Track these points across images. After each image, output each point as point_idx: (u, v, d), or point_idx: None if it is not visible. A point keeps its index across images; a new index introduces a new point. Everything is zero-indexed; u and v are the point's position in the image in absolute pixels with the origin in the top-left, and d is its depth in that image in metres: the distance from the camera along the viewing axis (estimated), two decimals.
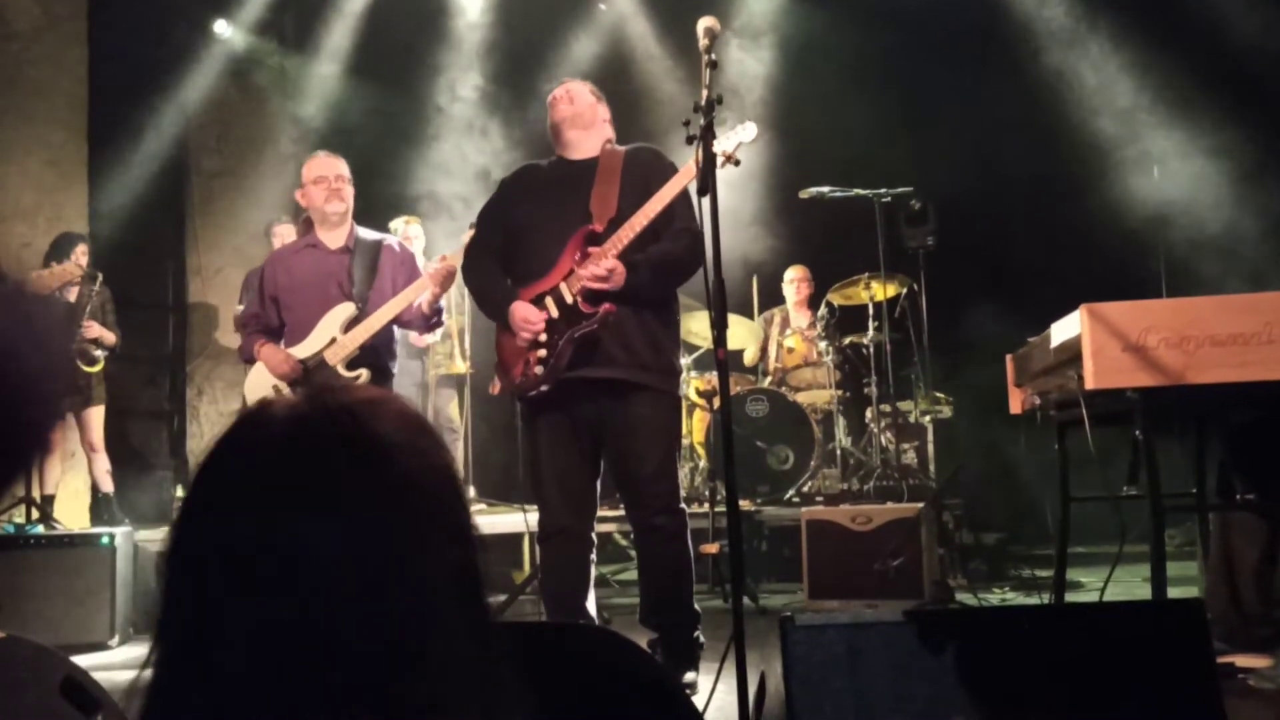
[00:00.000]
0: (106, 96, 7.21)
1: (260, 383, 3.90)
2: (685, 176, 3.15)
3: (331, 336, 3.81)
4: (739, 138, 3.19)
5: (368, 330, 3.78)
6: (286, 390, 3.82)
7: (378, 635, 0.71)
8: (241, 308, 6.67)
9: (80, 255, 6.06)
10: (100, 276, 6.07)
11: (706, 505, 5.25)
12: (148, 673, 0.74)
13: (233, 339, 6.93)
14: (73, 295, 5.99)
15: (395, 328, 3.97)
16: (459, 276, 3.67)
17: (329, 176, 3.88)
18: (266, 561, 0.71)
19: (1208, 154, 5.96)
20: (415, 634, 0.72)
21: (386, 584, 0.72)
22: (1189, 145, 6.04)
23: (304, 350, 3.83)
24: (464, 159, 7.59)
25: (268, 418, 0.77)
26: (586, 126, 3.37)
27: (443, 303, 3.99)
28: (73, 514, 6.36)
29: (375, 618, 0.71)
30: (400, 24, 7.74)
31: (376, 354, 3.85)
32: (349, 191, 3.93)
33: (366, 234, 4.00)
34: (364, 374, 3.77)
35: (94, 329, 6.01)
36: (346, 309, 3.82)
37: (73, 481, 6.51)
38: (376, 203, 6.64)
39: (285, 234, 6.46)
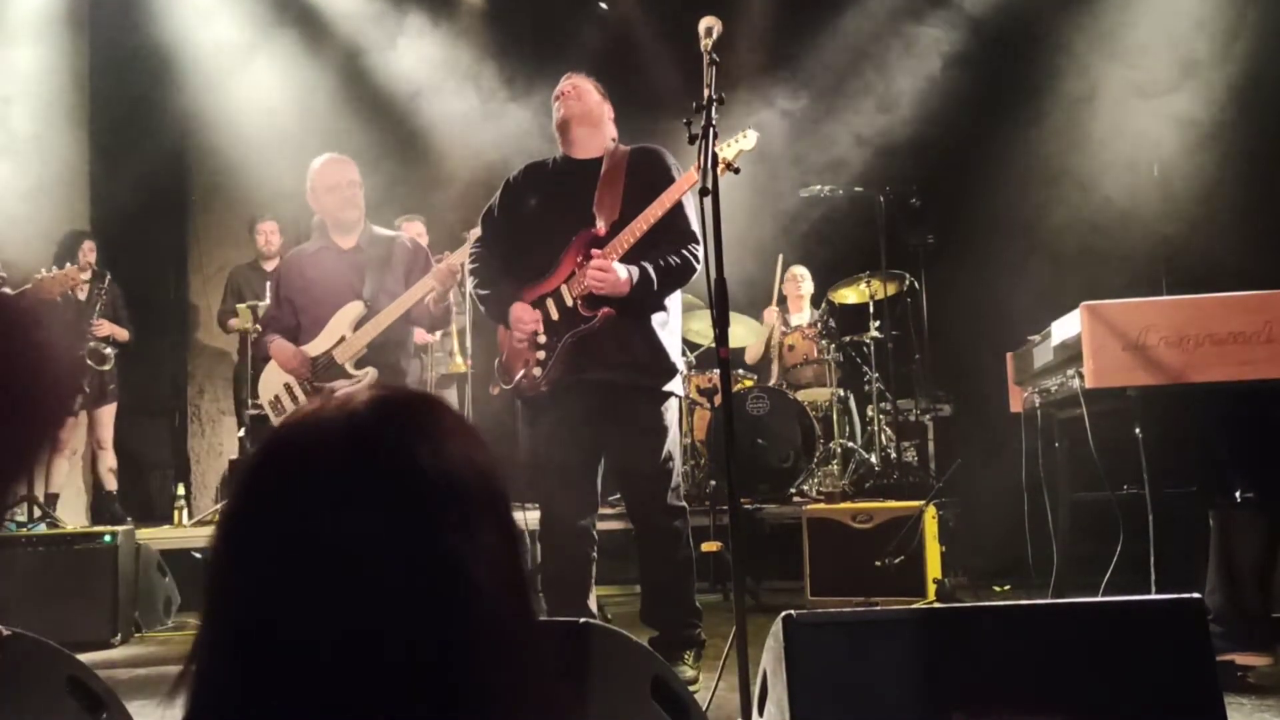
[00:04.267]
0: (107, 94, 7.22)
1: (272, 379, 3.94)
2: (687, 181, 3.16)
3: (341, 335, 3.82)
4: (740, 145, 3.19)
5: (375, 328, 3.79)
6: (297, 387, 3.85)
7: (430, 630, 0.73)
8: (220, 306, 6.72)
9: (88, 253, 6.09)
10: (109, 275, 6.10)
11: (707, 503, 5.26)
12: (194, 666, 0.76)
13: (233, 338, 6.94)
14: (83, 294, 6.01)
15: (412, 326, 3.98)
16: (467, 280, 3.68)
17: (342, 183, 3.88)
18: (321, 558, 0.73)
19: (1210, 150, 5.96)
20: (465, 628, 0.74)
21: (437, 579, 0.74)
22: (1192, 141, 6.03)
23: (315, 349, 3.85)
24: (464, 157, 7.58)
25: (322, 417, 0.80)
26: (594, 124, 3.37)
27: (451, 300, 4.00)
28: (73, 512, 6.37)
29: (427, 613, 0.73)
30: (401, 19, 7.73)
31: (388, 352, 3.85)
32: (361, 196, 3.93)
33: (380, 232, 4.01)
34: (371, 372, 3.79)
35: (105, 327, 6.03)
36: (355, 308, 3.84)
37: (74, 479, 6.52)
38: (374, 203, 6.63)
39: (269, 230, 6.47)
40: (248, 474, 0.79)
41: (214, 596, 0.76)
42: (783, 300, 6.95)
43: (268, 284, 5.68)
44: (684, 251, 3.23)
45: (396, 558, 0.73)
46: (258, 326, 5.13)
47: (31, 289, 3.90)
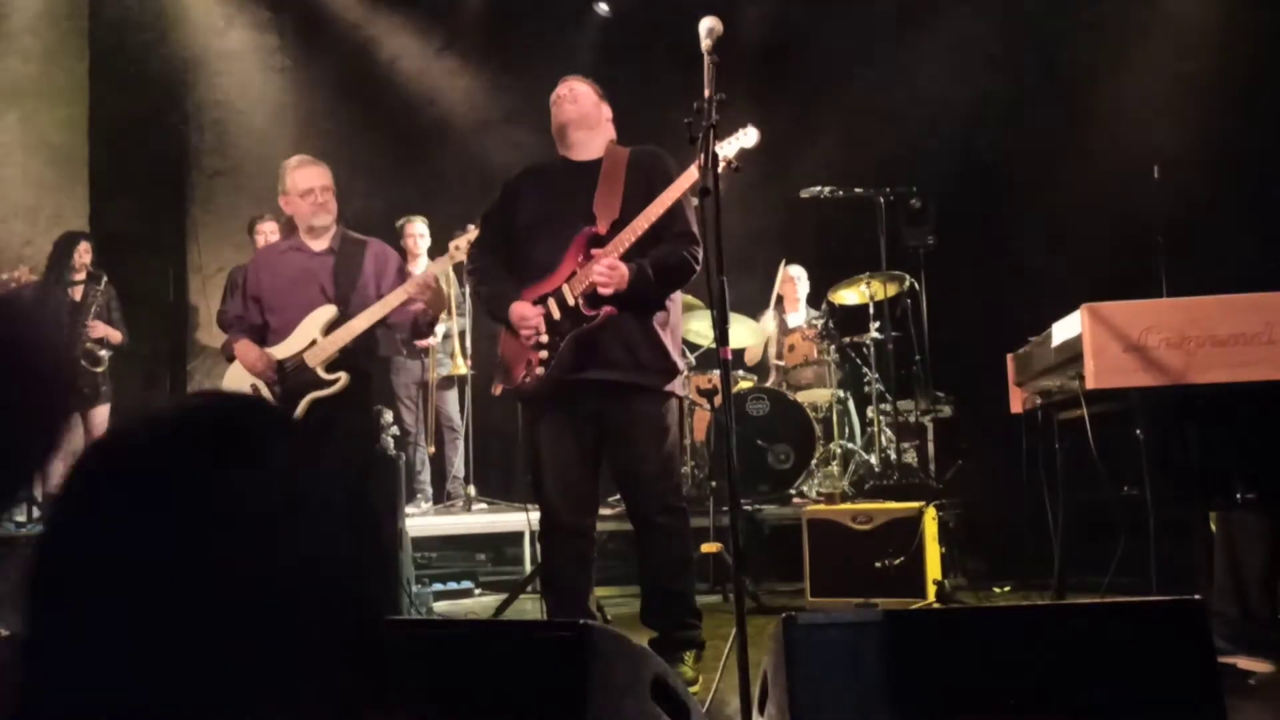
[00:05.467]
0: (107, 95, 7.22)
1: (238, 380, 3.91)
2: (688, 180, 3.15)
3: (312, 338, 3.79)
4: (740, 143, 3.18)
5: (349, 334, 3.76)
6: (265, 389, 3.82)
7: (271, 634, 0.69)
8: (221, 306, 6.71)
9: (83, 254, 6.08)
10: (105, 276, 6.09)
11: (708, 504, 5.25)
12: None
13: None
14: (78, 294, 6.01)
15: (378, 334, 3.96)
16: (467, 281, 3.67)
17: (315, 189, 3.85)
18: (133, 592, 0.67)
19: (1211, 151, 5.96)
20: (307, 647, 0.70)
21: (271, 602, 0.69)
22: (1193, 142, 6.03)
23: (284, 351, 3.82)
24: (463, 159, 7.59)
25: (128, 437, 0.74)
26: (591, 127, 3.36)
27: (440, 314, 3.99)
28: None
29: (264, 636, 0.68)
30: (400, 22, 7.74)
31: (356, 357, 3.83)
32: (334, 202, 3.91)
33: (353, 236, 3.99)
34: (343, 377, 3.76)
35: (99, 328, 6.02)
36: (328, 311, 3.80)
37: None
38: (375, 204, 6.64)
39: (269, 230, 6.46)
40: (60, 498, 0.72)
41: (31, 628, 0.69)
42: (779, 301, 6.95)
43: None
44: (683, 252, 3.22)
45: (216, 588, 0.67)
46: None
47: None
